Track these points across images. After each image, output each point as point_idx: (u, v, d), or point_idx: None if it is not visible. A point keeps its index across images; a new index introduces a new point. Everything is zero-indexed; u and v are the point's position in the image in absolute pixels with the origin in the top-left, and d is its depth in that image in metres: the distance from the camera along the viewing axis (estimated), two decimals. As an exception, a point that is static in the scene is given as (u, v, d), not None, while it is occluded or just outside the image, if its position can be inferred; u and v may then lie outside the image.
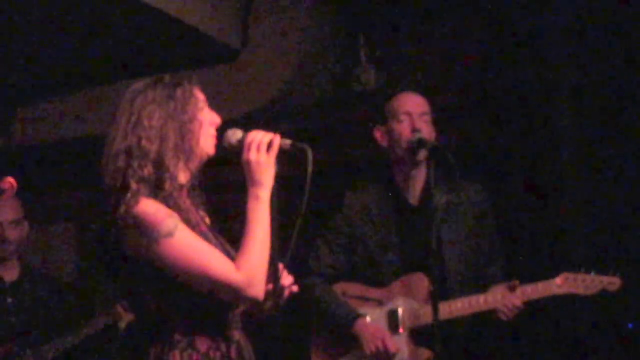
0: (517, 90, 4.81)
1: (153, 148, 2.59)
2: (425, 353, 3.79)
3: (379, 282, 3.90)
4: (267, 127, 2.82)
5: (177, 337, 2.58)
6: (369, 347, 3.79)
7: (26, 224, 4.62)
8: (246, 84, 5.20)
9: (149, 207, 2.53)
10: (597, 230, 4.52)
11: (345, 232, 3.97)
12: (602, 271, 3.70)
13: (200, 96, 2.74)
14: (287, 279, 2.77)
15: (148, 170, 2.57)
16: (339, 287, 3.96)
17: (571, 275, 3.68)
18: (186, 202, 2.68)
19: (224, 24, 5.10)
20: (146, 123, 2.61)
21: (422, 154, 3.81)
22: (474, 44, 5.04)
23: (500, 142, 4.87)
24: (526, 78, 4.77)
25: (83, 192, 5.00)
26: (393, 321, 3.84)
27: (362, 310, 3.88)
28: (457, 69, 5.04)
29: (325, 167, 4.53)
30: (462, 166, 3.54)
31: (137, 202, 2.52)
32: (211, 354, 2.61)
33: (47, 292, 4.63)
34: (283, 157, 2.74)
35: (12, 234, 4.55)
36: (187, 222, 2.59)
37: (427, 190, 3.80)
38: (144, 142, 2.58)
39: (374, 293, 3.90)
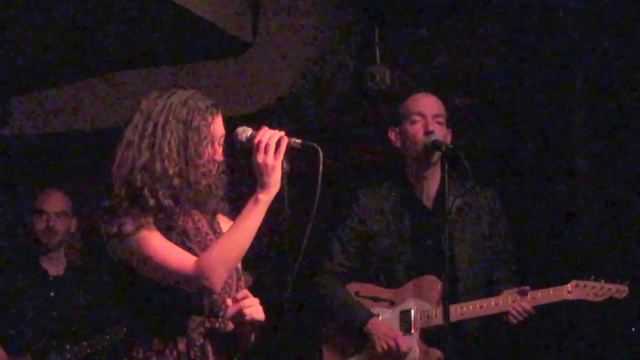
0: (533, 90, 4.78)
1: (169, 170, 2.70)
2: (436, 353, 3.83)
3: (391, 282, 3.95)
4: (277, 124, 2.79)
5: (137, 337, 2.76)
6: (381, 345, 3.83)
7: (74, 219, 4.72)
8: (256, 77, 5.17)
9: (124, 216, 2.69)
10: (609, 237, 4.55)
11: (359, 232, 4.02)
12: (611, 279, 3.76)
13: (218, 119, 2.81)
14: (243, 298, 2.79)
15: (163, 194, 2.70)
16: (352, 287, 4.01)
17: (581, 282, 3.75)
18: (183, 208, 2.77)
19: (234, 16, 5.06)
20: (164, 145, 2.71)
21: (436, 156, 3.86)
22: (490, 43, 5.01)
23: (513, 145, 4.85)
24: (542, 78, 4.74)
25: (83, 184, 4.97)
26: (405, 321, 3.88)
27: (374, 310, 3.93)
28: (472, 67, 5.01)
29: (336, 166, 4.47)
30: (476, 168, 3.54)
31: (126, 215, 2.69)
32: (167, 352, 2.73)
33: (90, 290, 4.66)
34: (294, 155, 2.74)
35: (58, 225, 4.62)
36: (169, 224, 2.72)
37: (441, 191, 3.83)
38: (158, 165, 2.70)
39: (387, 293, 3.95)
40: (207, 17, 4.76)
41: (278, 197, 2.71)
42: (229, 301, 2.76)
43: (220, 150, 2.79)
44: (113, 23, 4.78)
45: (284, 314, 2.76)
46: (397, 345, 3.80)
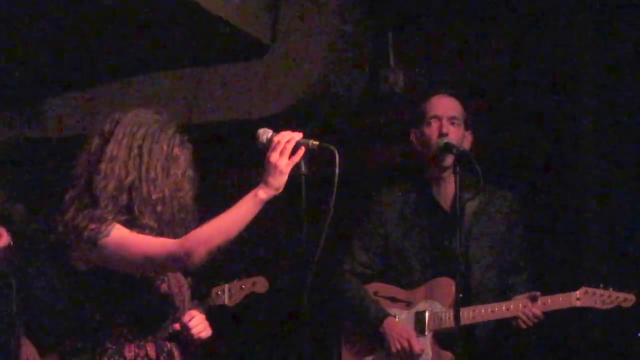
0: (544, 93, 4.81)
1: (152, 195, 2.78)
2: (448, 355, 3.87)
3: (408, 283, 3.99)
4: (295, 126, 2.85)
5: (108, 344, 2.79)
6: (395, 345, 3.88)
7: None
8: (275, 80, 5.21)
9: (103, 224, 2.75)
10: (618, 246, 4.57)
11: (380, 233, 4.05)
12: (619, 287, 3.80)
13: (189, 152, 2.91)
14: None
15: (149, 216, 2.78)
16: (371, 287, 4.05)
17: (590, 290, 3.78)
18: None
19: (253, 18, 5.09)
20: (151, 169, 2.79)
21: (449, 159, 3.84)
22: (503, 46, 5.04)
23: (526, 146, 4.87)
24: (553, 81, 4.78)
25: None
26: (419, 323, 3.93)
27: (391, 311, 3.98)
28: (485, 70, 5.05)
29: (352, 168, 4.54)
30: (489, 171, 3.59)
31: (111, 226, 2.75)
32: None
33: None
34: (310, 157, 2.79)
35: None
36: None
37: (459, 195, 3.77)
38: (145, 188, 2.78)
39: (404, 294, 4.00)
40: (228, 20, 4.81)
41: (296, 200, 2.77)
42: (176, 326, 2.86)
43: (191, 181, 2.87)
44: (138, 26, 4.84)
45: (302, 314, 2.80)
46: (411, 346, 3.85)
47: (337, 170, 2.73)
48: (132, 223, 2.76)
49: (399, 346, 3.86)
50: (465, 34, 5.10)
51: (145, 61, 5.39)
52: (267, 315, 5.12)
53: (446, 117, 3.92)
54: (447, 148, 3.77)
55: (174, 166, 2.83)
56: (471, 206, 3.87)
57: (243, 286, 4.33)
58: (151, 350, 2.81)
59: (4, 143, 5.78)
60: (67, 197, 2.83)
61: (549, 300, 3.80)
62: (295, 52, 5.16)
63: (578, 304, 3.77)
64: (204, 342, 2.90)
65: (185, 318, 2.86)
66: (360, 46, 5.31)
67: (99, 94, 5.57)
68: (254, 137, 2.86)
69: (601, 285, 3.78)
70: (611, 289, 3.77)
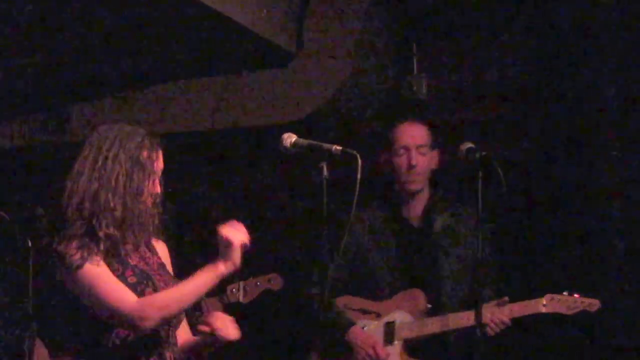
0: (566, 101, 4.83)
1: (111, 202, 2.83)
2: None
3: (378, 296, 4.06)
4: (319, 131, 2.89)
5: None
6: (360, 353, 3.94)
7: None
8: (300, 87, 5.27)
9: (71, 244, 2.80)
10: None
11: (351, 248, 4.07)
12: (584, 293, 3.91)
13: (160, 154, 2.95)
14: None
15: (107, 223, 2.83)
16: (341, 300, 4.09)
17: (555, 296, 3.88)
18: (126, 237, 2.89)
19: (278, 27, 5.14)
20: (112, 178, 2.84)
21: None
22: (526, 54, 5.06)
23: (546, 155, 4.91)
24: (575, 90, 4.80)
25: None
26: (389, 332, 3.99)
27: (360, 322, 4.03)
28: (508, 78, 5.07)
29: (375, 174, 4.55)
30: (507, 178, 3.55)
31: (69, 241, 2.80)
32: None
33: None
34: (333, 162, 2.84)
35: None
36: (113, 252, 2.85)
37: (427, 212, 4.06)
38: (103, 196, 2.83)
39: (374, 306, 4.06)
40: (253, 29, 4.85)
41: (317, 204, 2.83)
42: (204, 328, 2.89)
43: (158, 183, 2.92)
44: (165, 35, 4.89)
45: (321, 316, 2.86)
46: (376, 354, 3.91)
47: (358, 176, 2.77)
48: (92, 233, 2.81)
49: (363, 354, 3.92)
50: (488, 41, 5.13)
51: (171, 69, 5.45)
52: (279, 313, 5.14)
53: (414, 148, 4.02)
54: (470, 151, 3.75)
55: (138, 170, 2.87)
56: (444, 222, 4.02)
57: (258, 283, 4.36)
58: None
59: (29, 148, 5.87)
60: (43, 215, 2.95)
61: (517, 307, 3.88)
62: (320, 59, 5.21)
63: (544, 310, 3.86)
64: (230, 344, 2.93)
65: (211, 319, 2.89)
66: (384, 53, 5.35)
67: (125, 101, 5.64)
68: (279, 141, 2.93)
69: (565, 292, 3.88)
70: (576, 295, 3.88)
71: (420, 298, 3.95)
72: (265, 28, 5.00)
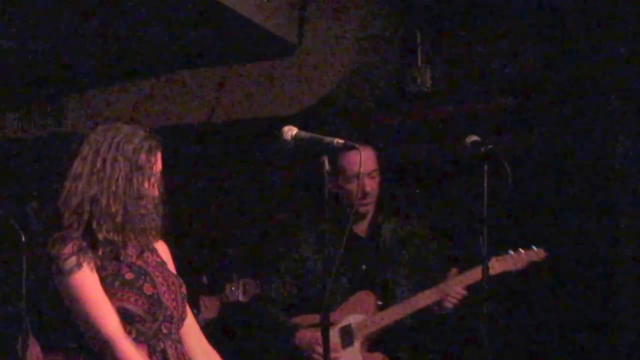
0: (575, 93, 4.81)
1: (112, 207, 2.82)
2: (379, 356, 4.00)
3: (331, 308, 3.98)
4: (321, 123, 2.87)
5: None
6: (309, 353, 3.94)
7: None
8: (302, 78, 5.25)
9: (66, 247, 2.79)
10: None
11: (296, 260, 4.10)
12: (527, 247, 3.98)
13: (158, 156, 2.93)
14: None
15: (107, 228, 2.82)
16: (295, 321, 4.08)
17: (500, 257, 3.94)
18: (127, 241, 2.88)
19: (280, 18, 5.13)
20: (112, 182, 2.83)
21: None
22: (533, 45, 5.03)
23: (555, 145, 4.88)
24: (582, 81, 4.78)
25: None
26: (346, 335, 3.99)
27: (317, 334, 3.96)
28: (515, 70, 5.04)
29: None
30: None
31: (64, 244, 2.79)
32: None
33: None
34: (335, 155, 2.80)
35: None
36: (113, 256, 2.84)
37: (375, 222, 4.08)
38: (104, 200, 2.81)
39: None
40: (255, 20, 4.84)
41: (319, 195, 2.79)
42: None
43: (157, 186, 2.90)
44: (164, 25, 4.87)
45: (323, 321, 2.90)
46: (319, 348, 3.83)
47: (361, 169, 2.75)
48: (90, 236, 2.80)
49: (310, 351, 3.92)
50: (492, 32, 5.11)
51: (171, 60, 5.44)
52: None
53: (366, 174, 3.99)
54: (475, 145, 3.70)
55: (137, 175, 2.85)
56: (388, 230, 4.07)
57: (258, 281, 4.34)
58: (143, 351, 2.81)
59: (23, 140, 5.83)
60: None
61: (467, 275, 3.92)
62: (322, 51, 5.20)
63: (492, 272, 3.81)
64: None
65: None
66: (388, 45, 5.32)
67: (129, 91, 5.63)
68: (279, 134, 2.90)
69: (509, 251, 3.94)
70: (520, 249, 3.94)
71: (369, 297, 3.98)
72: (266, 19, 4.98)
